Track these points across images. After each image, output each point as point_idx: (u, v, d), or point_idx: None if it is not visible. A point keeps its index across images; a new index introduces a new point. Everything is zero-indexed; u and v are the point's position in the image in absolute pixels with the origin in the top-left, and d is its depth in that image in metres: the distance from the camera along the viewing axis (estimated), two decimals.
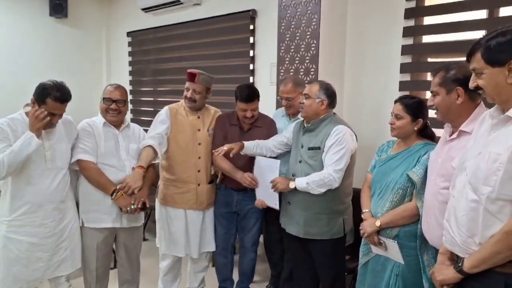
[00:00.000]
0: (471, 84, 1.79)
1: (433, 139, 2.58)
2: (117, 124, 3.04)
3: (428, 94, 3.35)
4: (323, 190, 2.75)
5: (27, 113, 2.69)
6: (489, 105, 2.01)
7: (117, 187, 2.89)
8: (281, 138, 3.16)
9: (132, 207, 2.90)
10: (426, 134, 2.58)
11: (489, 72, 1.69)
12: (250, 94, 3.18)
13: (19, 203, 2.69)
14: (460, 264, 1.77)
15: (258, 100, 3.24)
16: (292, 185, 2.81)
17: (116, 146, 3.00)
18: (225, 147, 3.05)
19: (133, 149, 3.06)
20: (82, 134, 2.93)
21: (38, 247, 2.75)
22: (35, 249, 2.74)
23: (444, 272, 1.87)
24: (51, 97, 2.60)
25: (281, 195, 3.02)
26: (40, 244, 2.75)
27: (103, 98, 2.98)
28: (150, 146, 3.03)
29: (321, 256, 2.95)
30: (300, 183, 2.79)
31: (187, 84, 3.24)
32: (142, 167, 2.92)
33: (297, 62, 3.76)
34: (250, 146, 3.13)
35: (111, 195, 2.88)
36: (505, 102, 1.70)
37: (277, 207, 3.03)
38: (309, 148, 2.87)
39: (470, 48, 1.77)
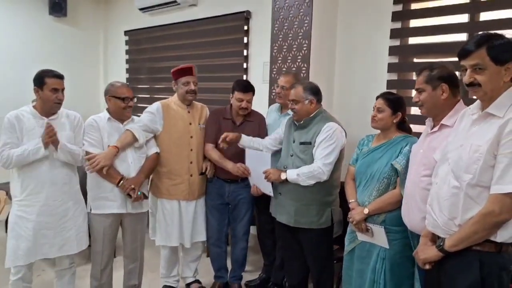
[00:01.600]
0: (467, 79, 1.90)
1: (410, 132, 2.80)
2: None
3: (414, 93, 3.54)
4: (312, 182, 2.91)
5: (34, 106, 3.00)
6: (467, 103, 2.19)
7: (123, 176, 3.11)
8: (276, 135, 3.32)
9: (139, 193, 3.13)
10: (404, 128, 2.79)
11: (492, 69, 1.83)
12: (248, 85, 3.43)
13: (25, 183, 2.96)
14: (441, 244, 1.97)
15: (253, 94, 3.42)
16: (283, 176, 2.98)
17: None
18: (225, 134, 3.24)
19: None
20: (88, 129, 3.15)
21: (43, 224, 2.98)
22: (41, 227, 2.97)
23: (426, 251, 2.07)
24: (48, 76, 2.93)
25: (272, 185, 3.17)
26: (45, 221, 2.98)
27: (123, 98, 3.15)
28: (129, 130, 3.19)
29: (309, 244, 3.10)
30: (291, 174, 2.96)
31: (186, 78, 3.39)
32: (116, 147, 3.10)
33: (289, 61, 3.92)
34: (247, 139, 3.32)
35: (117, 183, 3.09)
36: (492, 99, 1.86)
37: (271, 194, 3.18)
38: (301, 143, 3.01)
39: (466, 45, 1.89)
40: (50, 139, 2.87)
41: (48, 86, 2.91)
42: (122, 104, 3.16)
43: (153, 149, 3.34)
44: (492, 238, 1.84)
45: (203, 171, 3.42)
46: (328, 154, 2.90)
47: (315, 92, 3.03)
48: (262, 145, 3.33)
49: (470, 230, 1.85)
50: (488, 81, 1.84)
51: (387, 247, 2.61)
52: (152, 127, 3.33)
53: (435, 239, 2.07)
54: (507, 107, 1.82)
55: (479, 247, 1.87)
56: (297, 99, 2.99)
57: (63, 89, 3.00)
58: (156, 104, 3.45)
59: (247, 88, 3.39)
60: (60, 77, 2.99)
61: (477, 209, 1.84)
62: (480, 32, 1.93)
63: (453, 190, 1.92)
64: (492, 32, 1.88)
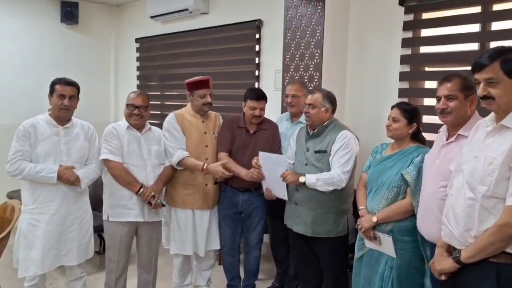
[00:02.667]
0: (481, 93, 1.91)
1: (424, 143, 2.81)
2: (140, 128, 3.30)
3: (426, 101, 3.58)
4: (330, 188, 2.93)
5: (50, 114, 3.10)
6: (483, 114, 2.21)
7: (142, 184, 3.17)
8: (289, 153, 3.31)
9: (158, 201, 3.20)
10: (418, 138, 2.81)
11: (506, 82, 1.85)
12: (260, 94, 3.44)
13: (37, 193, 3.01)
14: (458, 255, 1.97)
15: (266, 102, 3.44)
16: (302, 179, 2.97)
17: (139, 147, 3.26)
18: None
19: (154, 150, 3.32)
20: (108, 137, 3.20)
21: (51, 234, 3.02)
22: (50, 236, 3.01)
23: (442, 262, 2.08)
24: (57, 83, 3.04)
25: (287, 194, 3.19)
26: (52, 231, 3.02)
27: (127, 105, 3.25)
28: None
29: (326, 253, 3.11)
30: (310, 178, 2.96)
31: (202, 91, 3.38)
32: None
33: (301, 70, 3.96)
34: None
35: (137, 191, 3.15)
36: (506, 112, 1.88)
37: (286, 197, 3.18)
38: (316, 152, 3.04)
39: (479, 59, 1.91)
40: (67, 180, 2.98)
41: (56, 92, 3.00)
42: (127, 111, 3.25)
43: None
44: (508, 250, 1.84)
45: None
46: (346, 162, 2.94)
47: (333, 101, 3.09)
48: None
49: (487, 241, 1.86)
50: (502, 94, 1.86)
51: (394, 256, 2.63)
52: (184, 142, 3.39)
53: (450, 250, 2.08)
54: None
55: (495, 259, 1.87)
56: (315, 104, 3.03)
57: (71, 96, 3.04)
58: (171, 117, 3.45)
59: (260, 97, 3.41)
60: (71, 83, 3.06)
61: (492, 220, 1.85)
62: (494, 45, 1.95)
63: (469, 201, 1.93)
64: (506, 46, 1.90)
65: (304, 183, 2.98)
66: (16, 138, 2.97)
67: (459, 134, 2.29)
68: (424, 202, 2.44)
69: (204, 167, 3.29)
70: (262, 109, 3.41)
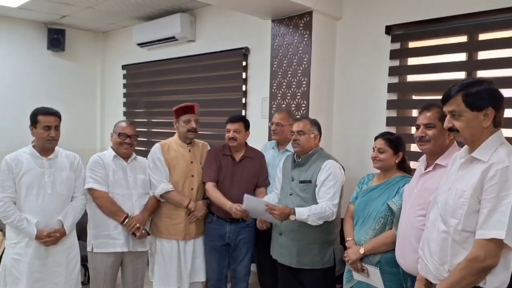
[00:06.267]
0: (446, 125, 1.94)
1: (410, 172, 2.79)
2: (126, 157, 3.27)
3: (414, 130, 3.53)
4: (321, 222, 2.88)
5: (34, 146, 3.00)
6: (462, 145, 2.18)
7: (128, 214, 3.13)
8: (277, 184, 3.25)
9: (143, 231, 3.17)
10: (404, 168, 2.80)
11: (468, 115, 1.85)
12: (234, 116, 3.46)
13: None
14: None
15: (244, 126, 3.40)
16: (292, 218, 2.85)
17: (124, 177, 3.24)
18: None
19: (140, 179, 3.29)
20: (94, 166, 3.18)
21: (36, 268, 2.93)
22: (34, 269, 2.92)
23: None
24: (40, 113, 2.94)
25: (272, 226, 3.15)
26: (38, 264, 2.94)
27: (119, 134, 3.23)
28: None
29: (312, 285, 3.04)
30: (300, 214, 2.85)
31: (187, 116, 3.36)
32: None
33: (288, 98, 3.94)
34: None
35: (122, 221, 3.11)
36: (474, 144, 1.89)
37: (278, 221, 3.02)
38: (301, 182, 3.00)
39: (447, 92, 1.93)
40: (46, 243, 2.93)
41: (40, 123, 2.92)
42: (117, 139, 3.22)
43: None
44: (481, 285, 1.81)
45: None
46: (334, 194, 2.90)
47: (319, 128, 3.09)
48: (271, 199, 3.22)
49: (458, 276, 1.83)
50: (465, 127, 1.87)
51: None
52: (167, 174, 3.36)
53: (428, 284, 2.05)
54: (491, 151, 1.83)
55: None
56: (304, 131, 3.01)
57: (56, 126, 2.98)
58: (157, 148, 3.41)
59: (234, 119, 3.41)
60: (54, 114, 2.98)
61: (464, 254, 1.83)
62: (480, 74, 1.95)
63: (442, 234, 1.92)
64: (476, 78, 1.94)
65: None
66: (1, 172, 2.91)
67: (436, 163, 2.30)
68: (401, 232, 2.41)
69: (189, 206, 3.29)
70: (237, 131, 3.35)
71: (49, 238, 2.92)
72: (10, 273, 2.91)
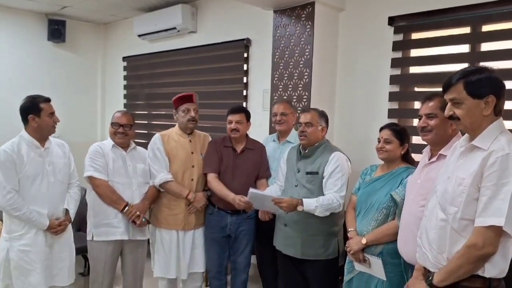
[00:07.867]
0: (447, 113, 1.93)
1: (413, 163, 2.78)
2: (125, 146, 3.29)
3: (415, 122, 3.52)
4: (328, 213, 2.87)
5: (28, 132, 2.94)
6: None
7: (128, 202, 3.15)
8: (280, 175, 3.23)
9: (144, 219, 3.18)
10: (408, 159, 2.79)
11: (469, 103, 1.85)
12: (236, 107, 3.46)
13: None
14: (430, 279, 1.93)
15: (246, 117, 3.39)
16: (300, 208, 2.84)
17: (124, 166, 3.25)
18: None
19: (139, 168, 3.30)
20: (93, 155, 3.18)
21: (46, 254, 2.94)
22: (45, 256, 2.93)
23: (416, 286, 2.05)
24: (41, 102, 2.92)
25: (276, 216, 3.14)
26: (48, 251, 2.95)
27: (112, 123, 3.25)
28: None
29: (315, 276, 3.04)
30: (308, 206, 2.84)
31: (186, 105, 3.35)
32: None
33: (290, 89, 3.92)
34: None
35: (122, 210, 3.12)
36: (475, 132, 1.88)
37: (283, 213, 3.01)
38: (307, 173, 2.99)
39: (448, 80, 1.92)
40: (56, 232, 2.97)
41: (45, 111, 2.91)
42: (111, 129, 3.24)
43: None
44: (480, 273, 1.81)
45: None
46: (342, 186, 2.90)
47: (327, 121, 3.08)
48: (274, 191, 3.20)
49: (456, 264, 1.83)
50: (465, 115, 1.87)
51: (384, 279, 2.58)
52: (166, 165, 3.35)
53: (427, 273, 2.04)
54: (491, 139, 1.82)
55: (467, 282, 1.83)
56: (312, 123, 2.99)
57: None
58: (157, 138, 3.41)
59: (235, 110, 3.40)
60: (50, 100, 3.00)
61: (463, 242, 1.82)
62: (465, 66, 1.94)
63: (440, 223, 1.91)
64: (475, 66, 1.92)
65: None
66: (1, 165, 2.82)
67: (440, 154, 2.29)
68: (404, 222, 2.40)
69: (189, 197, 3.28)
70: (239, 122, 3.33)
71: (60, 227, 2.96)
72: (18, 266, 2.85)
